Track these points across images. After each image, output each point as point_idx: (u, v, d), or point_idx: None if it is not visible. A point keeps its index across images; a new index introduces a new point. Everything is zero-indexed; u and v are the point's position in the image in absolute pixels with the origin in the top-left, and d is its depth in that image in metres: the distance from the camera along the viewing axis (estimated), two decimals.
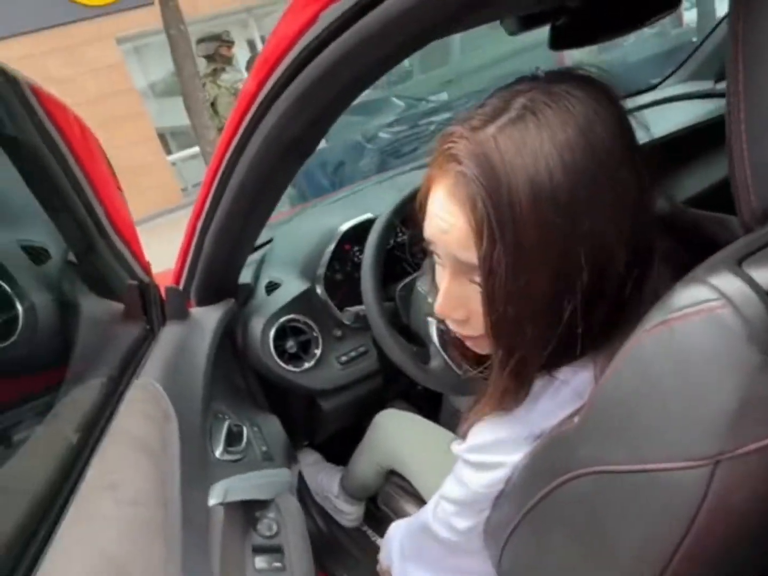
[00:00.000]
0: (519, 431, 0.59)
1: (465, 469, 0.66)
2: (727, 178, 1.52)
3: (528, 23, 1.04)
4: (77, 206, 0.91)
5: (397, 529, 0.94)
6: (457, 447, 0.67)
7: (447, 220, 0.55)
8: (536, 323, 0.54)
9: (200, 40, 5.14)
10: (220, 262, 1.02)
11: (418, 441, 1.19)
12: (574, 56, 4.70)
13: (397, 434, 1.22)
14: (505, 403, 0.59)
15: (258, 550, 0.79)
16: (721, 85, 1.78)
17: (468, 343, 0.66)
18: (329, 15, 0.56)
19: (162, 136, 8.82)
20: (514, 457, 0.60)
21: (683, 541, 0.42)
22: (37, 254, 1.03)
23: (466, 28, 0.95)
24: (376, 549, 1.33)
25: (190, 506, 0.69)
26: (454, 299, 0.60)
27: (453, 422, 1.15)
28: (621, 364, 0.46)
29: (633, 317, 0.51)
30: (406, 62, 7.14)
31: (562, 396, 0.57)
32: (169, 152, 8.91)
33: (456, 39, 6.05)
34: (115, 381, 0.83)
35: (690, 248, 0.57)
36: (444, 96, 5.40)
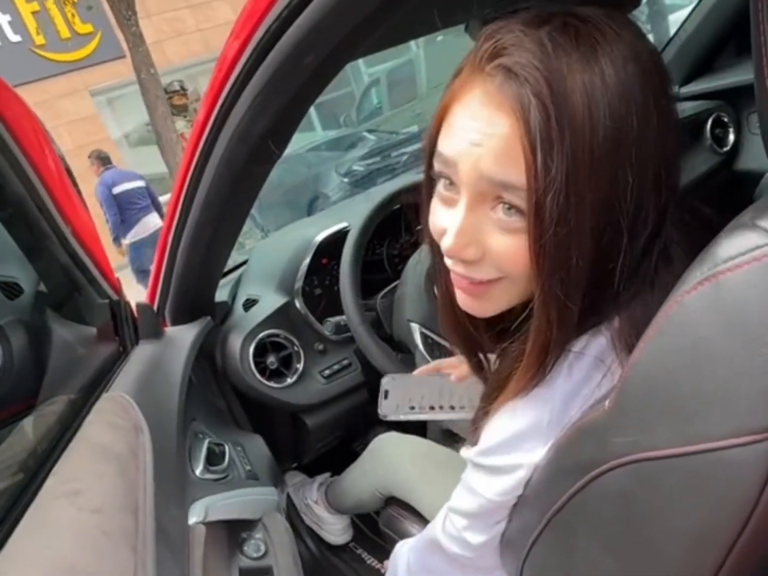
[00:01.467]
0: (540, 416, 0.53)
1: (477, 474, 0.60)
2: (697, 180, 1.53)
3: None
4: (43, 227, 0.89)
5: (403, 547, 0.87)
6: (467, 451, 0.61)
7: (483, 130, 0.48)
8: (582, 252, 0.48)
9: None
10: (194, 277, 1.00)
11: (423, 466, 1.09)
12: None
13: (399, 460, 1.13)
14: (538, 371, 0.53)
15: (245, 572, 0.76)
16: (687, 89, 1.83)
17: (475, 300, 0.57)
18: None
19: None
20: (533, 457, 0.54)
21: (744, 530, 0.36)
22: (9, 289, 1.01)
23: (431, 30, 0.96)
24: (371, 571, 1.28)
25: (166, 520, 0.65)
26: (468, 234, 0.52)
27: (443, 442, 1.12)
28: (658, 332, 0.40)
29: (648, 278, 0.52)
30: (375, 99, 7.31)
31: (580, 366, 0.52)
32: None
33: (422, 75, 6.22)
34: (84, 396, 0.80)
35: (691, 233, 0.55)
36: (414, 128, 5.53)
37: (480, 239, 0.52)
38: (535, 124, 0.45)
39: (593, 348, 0.52)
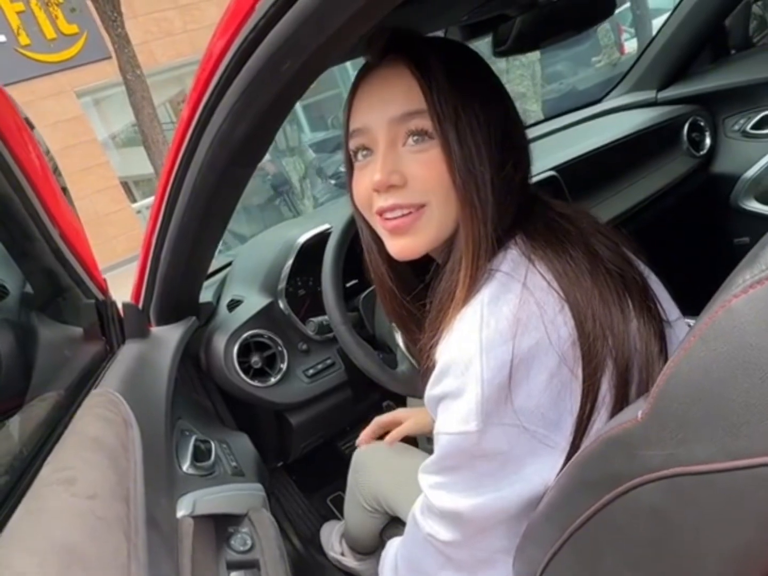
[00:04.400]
0: (472, 319, 0.58)
1: (437, 417, 0.62)
2: (675, 183, 1.56)
3: (472, 32, 1.09)
4: (29, 227, 0.90)
5: (392, 544, 0.88)
6: (426, 396, 0.64)
7: (385, 87, 0.66)
8: (481, 158, 0.63)
9: None
10: (178, 278, 1.01)
11: (398, 468, 1.10)
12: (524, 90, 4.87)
13: (377, 469, 1.14)
14: (473, 279, 0.61)
15: (233, 565, 0.77)
16: (663, 94, 1.87)
17: (406, 237, 0.67)
18: (265, 3, 0.57)
19: (125, 185, 8.83)
20: (475, 371, 0.56)
21: None
22: None
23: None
24: (357, 573, 1.29)
25: (156, 511, 0.67)
26: (390, 164, 0.65)
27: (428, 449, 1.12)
28: (701, 339, 0.37)
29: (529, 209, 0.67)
30: None
31: (497, 277, 0.61)
32: (133, 200, 8.91)
33: None
34: (73, 392, 0.81)
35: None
36: None
37: (400, 169, 0.65)
38: (424, 64, 0.63)
39: (507, 263, 0.61)
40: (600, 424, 0.58)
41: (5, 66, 7.54)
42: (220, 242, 1.02)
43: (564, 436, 0.58)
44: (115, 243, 7.40)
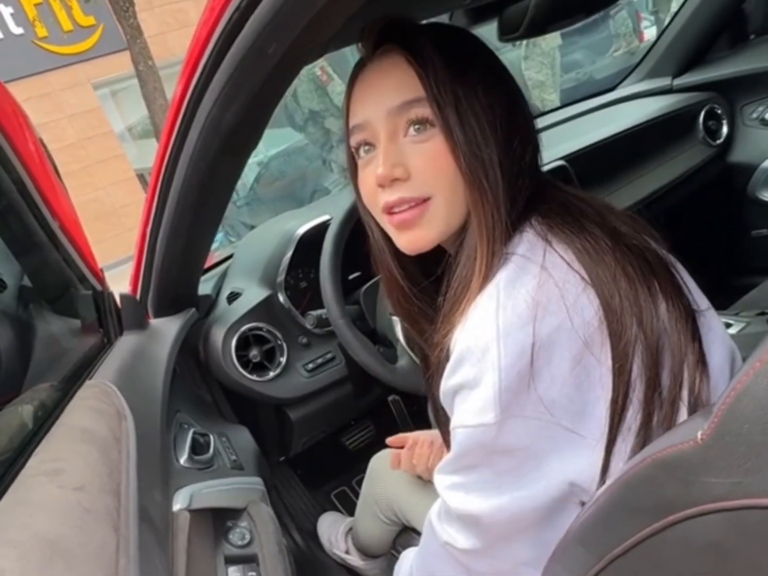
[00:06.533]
0: (488, 305, 0.56)
1: (454, 405, 0.59)
2: (690, 172, 1.51)
3: (476, 17, 1.06)
4: (28, 218, 0.89)
5: (407, 556, 0.84)
6: (441, 389, 0.61)
7: (380, 79, 0.64)
8: (486, 139, 0.61)
9: None
10: (175, 269, 1.00)
11: (420, 481, 1.04)
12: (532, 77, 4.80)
13: (394, 479, 1.09)
14: (489, 264, 0.59)
15: (231, 560, 0.76)
16: (679, 81, 1.82)
17: (415, 230, 0.65)
18: None
19: (142, 177, 8.88)
20: (491, 359, 0.53)
21: None
22: None
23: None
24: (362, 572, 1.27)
25: (149, 505, 0.66)
26: (392, 156, 0.63)
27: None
28: None
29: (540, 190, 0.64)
30: None
31: (513, 260, 0.58)
32: None
33: None
34: (67, 383, 0.81)
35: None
36: None
37: (404, 161, 0.63)
38: (419, 51, 0.62)
39: (523, 246, 0.59)
40: (632, 412, 0.54)
41: (23, 58, 7.61)
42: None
43: (594, 426, 0.54)
44: (131, 235, 7.45)
